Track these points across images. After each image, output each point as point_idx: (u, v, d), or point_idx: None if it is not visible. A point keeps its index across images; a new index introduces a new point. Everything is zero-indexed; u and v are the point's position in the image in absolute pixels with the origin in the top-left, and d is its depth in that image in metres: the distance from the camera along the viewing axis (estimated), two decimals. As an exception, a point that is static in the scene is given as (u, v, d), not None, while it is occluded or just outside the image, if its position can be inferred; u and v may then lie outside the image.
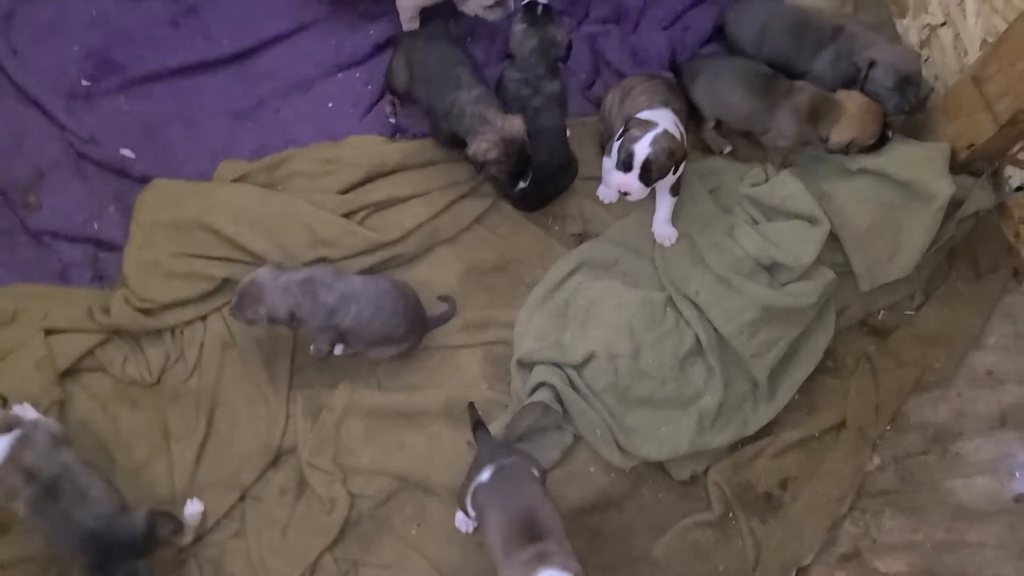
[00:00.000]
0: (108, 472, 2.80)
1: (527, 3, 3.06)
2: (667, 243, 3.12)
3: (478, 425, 2.79)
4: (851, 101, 3.01)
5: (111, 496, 2.61)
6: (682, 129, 2.94)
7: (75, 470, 2.58)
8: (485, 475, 2.55)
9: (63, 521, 2.53)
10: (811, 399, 3.09)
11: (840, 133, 3.01)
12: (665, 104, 2.99)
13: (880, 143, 3.05)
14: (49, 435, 2.61)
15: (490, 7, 3.18)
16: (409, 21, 3.38)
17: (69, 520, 2.53)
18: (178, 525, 2.73)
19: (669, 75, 3.28)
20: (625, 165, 2.83)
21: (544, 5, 3.05)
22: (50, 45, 3.41)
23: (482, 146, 2.85)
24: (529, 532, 2.36)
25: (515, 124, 2.89)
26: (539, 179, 3.08)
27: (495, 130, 2.88)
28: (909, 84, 3.04)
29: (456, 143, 3.02)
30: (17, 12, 3.45)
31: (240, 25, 3.50)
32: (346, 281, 2.88)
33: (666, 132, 2.81)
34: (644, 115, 2.90)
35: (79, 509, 2.54)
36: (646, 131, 2.81)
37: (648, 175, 2.83)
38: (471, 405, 2.84)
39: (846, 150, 3.05)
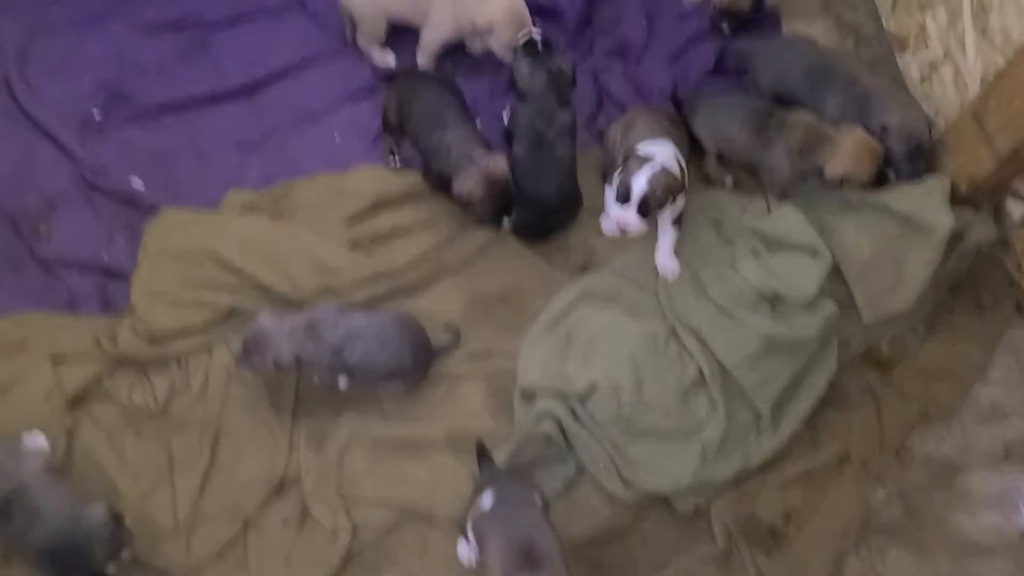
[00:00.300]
0: (112, 499, 2.82)
1: (526, 41, 3.10)
2: (670, 276, 3.13)
3: (483, 455, 2.79)
4: (848, 137, 3.01)
5: (70, 510, 2.59)
6: (682, 161, 2.97)
7: (33, 486, 2.57)
8: (486, 500, 2.55)
9: (19, 538, 2.53)
10: (815, 432, 3.08)
11: (834, 167, 3.00)
12: (666, 135, 3.02)
13: (879, 182, 3.05)
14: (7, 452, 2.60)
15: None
16: (429, 57, 3.44)
17: (25, 537, 2.53)
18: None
19: (670, 108, 3.32)
20: (623, 198, 2.86)
21: (543, 40, 3.09)
22: (63, 77, 3.47)
23: (467, 184, 2.88)
24: (528, 560, 2.36)
25: (499, 163, 2.93)
26: (546, 210, 3.11)
27: (480, 169, 2.91)
28: (920, 152, 3.05)
29: (444, 185, 3.04)
30: (32, 45, 3.51)
31: (250, 58, 3.56)
32: (350, 318, 2.88)
33: (663, 168, 2.85)
34: (644, 147, 2.93)
35: (34, 527, 2.52)
36: (643, 165, 2.84)
37: (646, 208, 2.86)
38: (479, 441, 2.84)
39: (839, 185, 3.04)
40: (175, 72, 3.54)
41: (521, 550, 2.39)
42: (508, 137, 3.14)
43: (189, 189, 3.33)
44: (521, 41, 3.11)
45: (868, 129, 3.05)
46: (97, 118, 3.43)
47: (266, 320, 2.79)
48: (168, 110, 3.47)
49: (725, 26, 3.45)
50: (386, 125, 3.30)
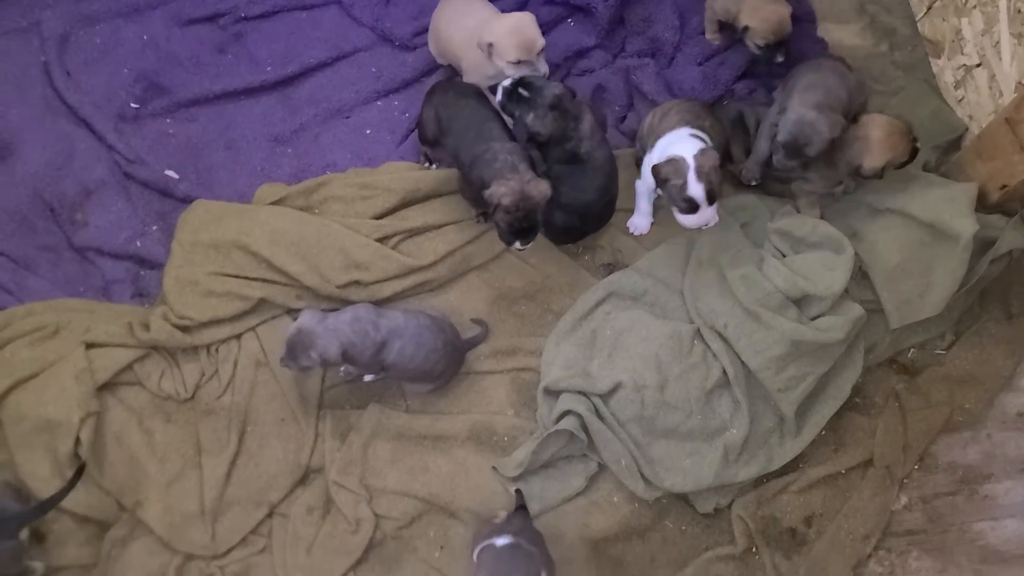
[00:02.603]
0: (141, 483, 2.88)
1: (507, 94, 3.02)
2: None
3: (523, 507, 2.84)
4: (876, 127, 2.98)
5: None
6: (705, 138, 2.98)
7: None
8: (501, 540, 2.58)
9: None
10: (838, 436, 3.08)
11: (872, 160, 2.97)
12: (690, 123, 3.01)
13: (912, 157, 3.03)
14: None
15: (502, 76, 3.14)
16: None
17: None
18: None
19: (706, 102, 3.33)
20: (692, 208, 2.89)
21: (515, 83, 3.01)
22: (102, 68, 3.53)
23: (501, 189, 2.85)
24: None
25: (541, 186, 2.89)
26: (590, 212, 3.13)
27: (520, 182, 2.87)
28: (798, 150, 2.96)
29: (480, 192, 2.97)
30: (72, 36, 3.57)
31: (284, 53, 3.60)
32: (389, 317, 2.90)
33: (698, 153, 2.86)
34: (663, 149, 2.96)
35: None
36: (680, 166, 2.86)
37: (713, 195, 2.90)
38: (519, 492, 2.89)
39: (881, 174, 3.01)
40: (210, 65, 3.59)
41: None
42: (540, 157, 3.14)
43: (222, 181, 3.38)
44: (500, 95, 3.04)
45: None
46: (134, 108, 3.48)
47: (309, 319, 2.80)
48: (203, 102, 3.52)
49: (779, 56, 3.27)
50: (422, 137, 3.29)
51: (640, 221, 3.26)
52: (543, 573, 2.58)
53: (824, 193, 3.17)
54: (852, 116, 3.08)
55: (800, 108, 2.93)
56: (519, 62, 3.06)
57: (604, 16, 3.57)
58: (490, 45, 3.05)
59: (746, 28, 3.21)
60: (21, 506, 2.75)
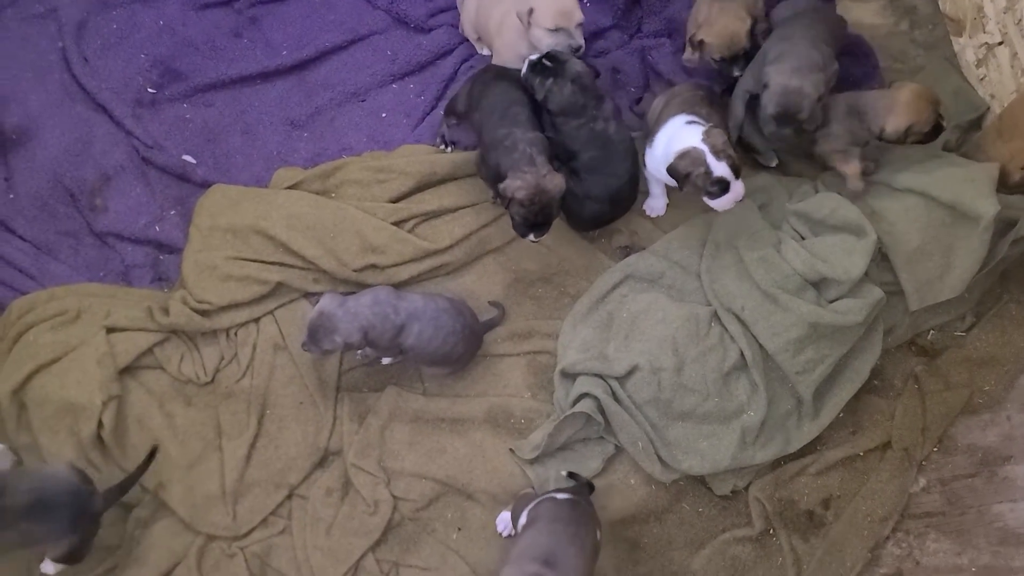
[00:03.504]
0: (162, 466, 2.93)
1: (531, 67, 3.05)
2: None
3: (590, 485, 2.85)
4: (904, 90, 2.97)
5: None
6: (701, 122, 2.97)
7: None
8: (562, 496, 2.62)
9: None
10: (856, 418, 3.07)
11: (896, 122, 2.95)
12: (684, 112, 3.00)
13: (935, 132, 3.00)
14: None
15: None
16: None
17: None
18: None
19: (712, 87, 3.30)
20: (724, 187, 2.86)
21: (541, 56, 3.04)
22: (119, 53, 3.54)
23: (516, 183, 2.86)
24: (548, 562, 2.40)
25: (556, 180, 2.89)
26: (618, 197, 3.12)
27: (536, 175, 2.87)
28: (790, 117, 2.96)
29: (497, 178, 2.99)
30: (89, 21, 3.58)
31: (299, 36, 3.60)
32: (408, 300, 2.92)
33: (707, 135, 2.85)
34: (664, 144, 2.94)
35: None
36: (696, 154, 2.83)
37: (737, 169, 2.87)
38: (571, 474, 2.90)
39: (904, 139, 2.99)
40: (227, 49, 3.59)
41: (549, 553, 2.43)
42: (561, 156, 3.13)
43: (239, 165, 3.40)
44: (527, 63, 3.06)
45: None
46: (151, 93, 3.50)
47: (330, 303, 2.82)
48: (219, 87, 3.53)
49: (736, 70, 3.20)
50: (450, 110, 3.29)
51: (656, 203, 3.25)
52: (599, 532, 2.61)
53: (845, 149, 3.11)
54: (838, 53, 3.15)
55: (779, 78, 2.94)
56: (556, 30, 3.09)
57: (620, -3, 3.55)
58: (531, 11, 3.09)
59: (701, 43, 3.18)
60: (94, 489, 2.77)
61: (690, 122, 2.95)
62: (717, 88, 3.33)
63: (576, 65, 3.03)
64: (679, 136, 2.91)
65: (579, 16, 3.13)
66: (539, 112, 3.10)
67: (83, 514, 2.67)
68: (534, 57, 3.06)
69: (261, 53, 3.58)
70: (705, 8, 3.22)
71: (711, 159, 2.83)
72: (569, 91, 3.00)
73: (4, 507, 2.55)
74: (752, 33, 3.17)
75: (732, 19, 3.15)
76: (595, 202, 3.11)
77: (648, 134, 3.14)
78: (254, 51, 3.59)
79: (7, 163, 3.38)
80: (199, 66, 3.55)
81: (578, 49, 3.12)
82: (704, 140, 2.84)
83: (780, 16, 3.24)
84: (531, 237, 2.97)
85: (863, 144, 3.08)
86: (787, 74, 2.93)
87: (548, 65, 3.02)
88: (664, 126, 3.00)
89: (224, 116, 3.48)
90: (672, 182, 2.96)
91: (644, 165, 3.13)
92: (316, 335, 2.79)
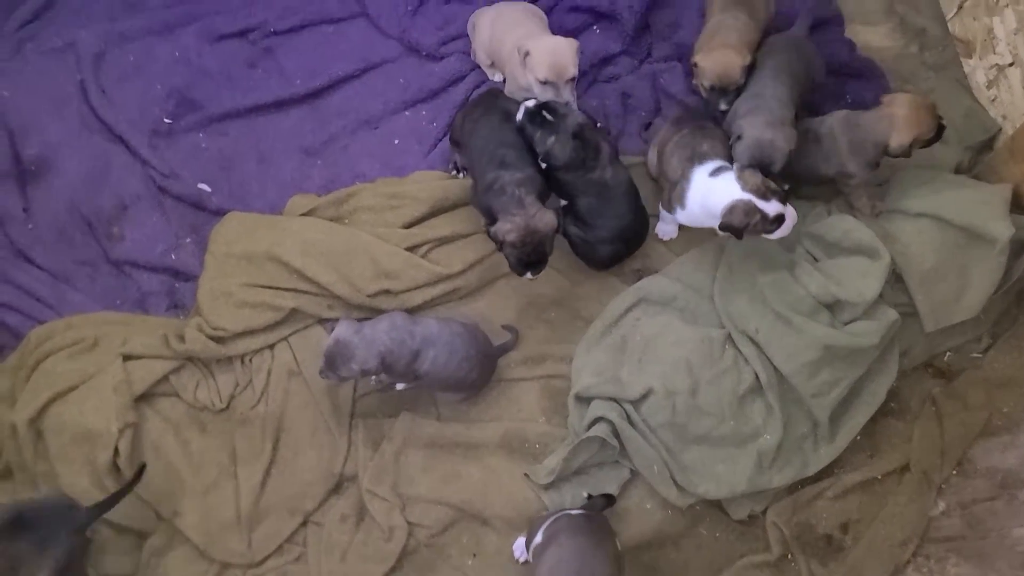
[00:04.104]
0: (177, 493, 2.93)
1: (529, 116, 3.03)
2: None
3: (611, 498, 2.86)
4: (899, 104, 2.97)
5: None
6: (720, 163, 2.93)
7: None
8: (576, 511, 2.62)
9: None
10: (874, 441, 3.05)
11: (900, 138, 2.96)
12: (693, 159, 2.95)
13: (938, 135, 3.00)
14: None
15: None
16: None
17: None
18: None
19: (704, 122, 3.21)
20: (781, 221, 2.82)
21: (539, 105, 3.03)
22: (136, 85, 3.59)
23: (505, 226, 2.87)
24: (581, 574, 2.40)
25: (546, 218, 2.89)
26: (631, 234, 3.14)
27: (525, 217, 2.87)
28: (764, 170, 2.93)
29: (490, 220, 3.01)
30: (106, 54, 3.64)
31: (313, 66, 3.65)
32: (423, 325, 2.92)
33: (743, 175, 2.82)
34: (700, 205, 2.90)
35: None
36: (745, 205, 2.78)
37: (785, 197, 2.84)
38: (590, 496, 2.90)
39: (909, 151, 2.99)
40: (241, 79, 3.64)
41: (581, 567, 2.44)
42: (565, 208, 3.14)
43: (254, 193, 3.43)
44: (521, 113, 3.04)
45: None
46: (167, 123, 3.54)
47: (346, 330, 2.82)
48: (234, 116, 3.57)
49: (723, 103, 3.15)
50: (451, 139, 3.33)
51: (667, 228, 3.26)
52: (617, 542, 2.61)
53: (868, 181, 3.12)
54: (813, 90, 3.23)
55: (752, 131, 2.93)
56: (546, 82, 3.10)
57: (630, 22, 3.57)
58: (527, 54, 3.09)
59: (695, 65, 3.17)
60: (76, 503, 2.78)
61: (714, 171, 2.89)
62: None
63: (576, 117, 3.02)
64: (714, 191, 2.85)
65: (572, 72, 3.11)
66: (530, 148, 3.07)
67: (66, 527, 2.65)
68: (531, 104, 3.04)
69: (275, 82, 3.63)
70: (711, 32, 3.23)
71: (761, 203, 2.78)
72: (571, 148, 2.98)
73: None
74: (748, 70, 3.14)
75: (730, 52, 3.13)
76: (607, 244, 3.13)
77: (662, 174, 3.12)
78: (268, 81, 3.64)
79: (26, 194, 3.42)
80: (214, 96, 3.59)
81: (565, 105, 3.10)
82: (744, 188, 2.79)
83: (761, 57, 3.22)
84: (528, 275, 2.97)
85: (875, 167, 3.08)
86: (760, 127, 2.93)
87: (548, 119, 3.00)
88: (688, 185, 2.92)
89: (239, 145, 3.52)
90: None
91: (668, 211, 3.09)
92: (333, 362, 2.80)
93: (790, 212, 2.84)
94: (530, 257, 2.91)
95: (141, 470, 2.88)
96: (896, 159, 3.04)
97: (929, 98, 3.02)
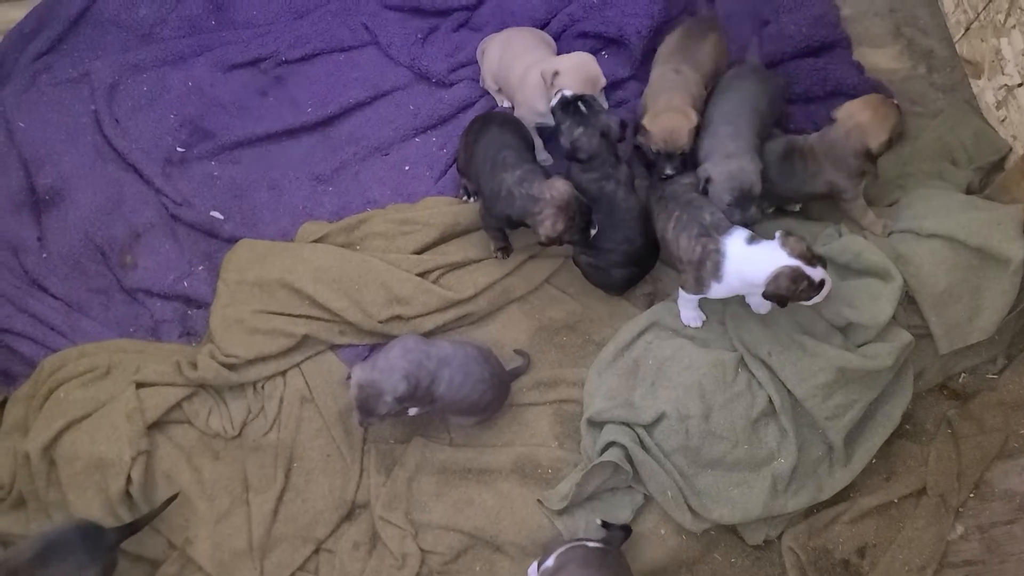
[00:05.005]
0: (190, 521, 2.92)
1: (563, 104, 3.04)
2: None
3: (628, 530, 2.85)
4: (859, 111, 2.97)
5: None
6: (744, 227, 2.90)
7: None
8: (592, 543, 2.60)
9: None
10: (889, 464, 3.02)
11: (876, 137, 2.95)
12: (708, 227, 2.89)
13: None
14: None
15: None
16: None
17: None
18: None
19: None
20: (822, 286, 2.76)
21: (579, 98, 3.04)
22: (149, 115, 3.63)
23: (547, 223, 2.89)
24: None
25: (560, 187, 2.91)
26: (643, 256, 3.15)
27: (547, 202, 2.90)
28: (748, 197, 2.95)
29: (511, 225, 3.05)
30: (120, 84, 3.68)
31: (323, 94, 3.68)
32: (438, 346, 2.92)
33: (787, 241, 2.77)
34: (737, 278, 2.83)
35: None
36: (793, 272, 2.72)
37: (824, 261, 2.80)
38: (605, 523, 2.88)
39: (889, 148, 2.99)
40: (253, 108, 3.68)
41: None
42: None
43: (265, 220, 3.45)
44: (556, 100, 3.07)
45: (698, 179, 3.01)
46: (180, 151, 3.57)
47: (361, 373, 2.79)
48: (246, 145, 3.60)
49: (668, 168, 3.07)
50: (459, 167, 3.36)
51: (692, 314, 3.14)
52: None
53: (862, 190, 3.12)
54: (776, 122, 3.26)
55: (718, 169, 2.94)
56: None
57: (637, 47, 3.60)
58: (556, 73, 3.13)
59: (642, 128, 3.11)
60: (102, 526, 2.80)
61: (751, 239, 2.82)
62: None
63: (608, 118, 3.04)
64: (754, 259, 2.79)
65: (603, 81, 3.19)
66: (529, 146, 3.16)
67: (97, 546, 2.68)
68: (568, 93, 3.05)
69: (286, 111, 3.66)
70: (655, 89, 3.17)
71: (808, 269, 2.72)
72: (597, 142, 3.01)
73: (12, 569, 2.57)
74: (697, 134, 3.07)
75: (677, 115, 3.05)
76: (620, 268, 3.15)
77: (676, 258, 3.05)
78: (280, 109, 3.67)
79: (40, 223, 3.45)
80: (226, 125, 3.63)
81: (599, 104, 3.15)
82: (791, 255, 2.73)
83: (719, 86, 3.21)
84: (593, 232, 2.98)
85: (863, 175, 3.07)
86: (722, 162, 2.95)
87: (582, 110, 3.02)
88: (723, 258, 2.82)
89: (251, 172, 3.54)
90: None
91: (695, 292, 2.99)
92: (367, 405, 2.78)
93: (828, 279, 2.79)
94: (584, 220, 2.93)
95: (173, 498, 2.92)
96: (906, 171, 3.03)
97: (877, 93, 3.02)
